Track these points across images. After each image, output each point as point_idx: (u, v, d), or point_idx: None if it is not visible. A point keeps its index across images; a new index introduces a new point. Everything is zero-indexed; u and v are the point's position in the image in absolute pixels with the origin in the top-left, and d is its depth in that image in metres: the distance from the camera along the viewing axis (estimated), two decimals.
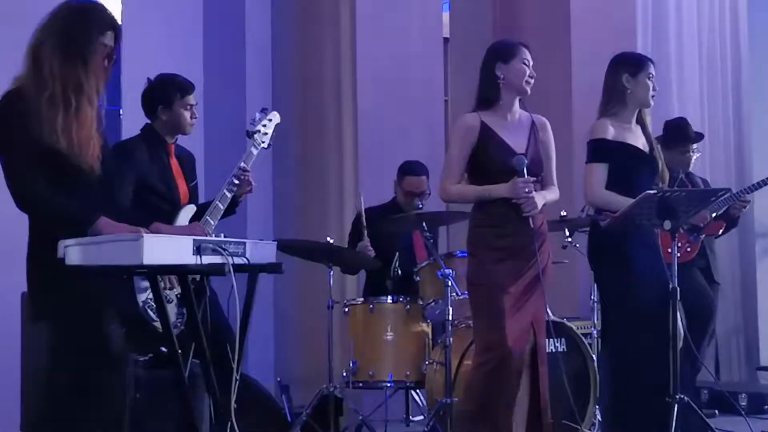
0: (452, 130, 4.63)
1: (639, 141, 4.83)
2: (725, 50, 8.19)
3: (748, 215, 7.57)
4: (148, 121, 4.96)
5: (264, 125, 4.91)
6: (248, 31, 7.30)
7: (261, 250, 4.00)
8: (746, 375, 7.92)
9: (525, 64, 4.53)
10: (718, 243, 7.59)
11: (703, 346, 6.30)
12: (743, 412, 6.40)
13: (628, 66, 4.85)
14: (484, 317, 4.48)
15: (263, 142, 4.88)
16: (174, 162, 4.91)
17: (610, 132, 4.76)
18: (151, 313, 4.38)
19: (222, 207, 4.70)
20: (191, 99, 4.93)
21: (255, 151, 4.84)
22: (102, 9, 3.71)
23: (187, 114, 4.89)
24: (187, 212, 4.79)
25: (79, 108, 3.51)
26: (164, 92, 4.87)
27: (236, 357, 3.79)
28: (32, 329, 4.62)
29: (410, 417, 5.91)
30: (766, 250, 7.79)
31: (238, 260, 3.80)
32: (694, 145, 6.45)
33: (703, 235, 6.27)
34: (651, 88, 4.82)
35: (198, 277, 4.00)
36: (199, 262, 3.60)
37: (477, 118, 4.50)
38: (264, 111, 5.00)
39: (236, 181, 4.71)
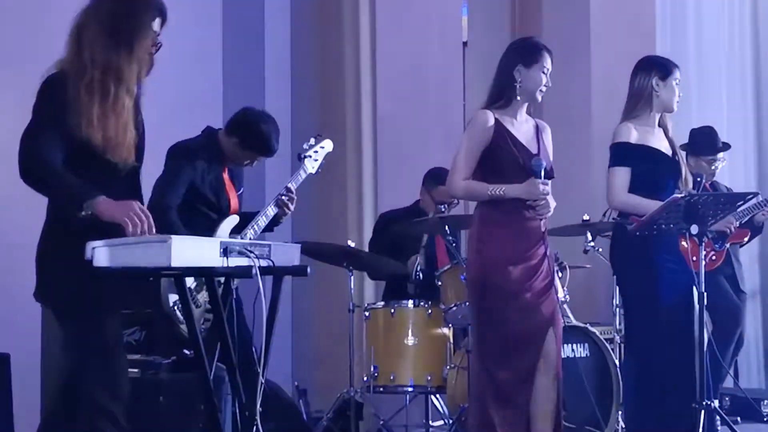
0: (468, 126, 4.50)
1: (662, 144, 4.82)
2: (746, 54, 8.15)
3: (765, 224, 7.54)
4: (213, 127, 4.97)
5: (316, 151, 5.07)
6: (267, 35, 7.30)
7: (286, 253, 3.98)
8: (765, 382, 7.87)
9: (544, 72, 4.47)
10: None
11: (727, 355, 6.26)
12: (765, 419, 6.41)
13: (658, 69, 4.86)
14: (490, 326, 4.39)
15: (312, 168, 5.03)
16: (226, 175, 4.93)
17: (633, 135, 4.76)
18: (179, 314, 4.38)
19: (263, 223, 4.83)
20: (262, 159, 4.99)
21: (303, 175, 4.99)
22: None
23: (248, 163, 4.95)
24: (230, 222, 4.83)
25: (117, 97, 3.36)
26: (252, 138, 4.88)
27: (263, 361, 3.75)
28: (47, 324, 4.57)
29: (430, 422, 5.87)
30: None
31: (263, 263, 3.78)
32: (721, 155, 6.41)
33: (728, 244, 6.24)
34: (677, 93, 4.82)
35: (223, 280, 4.00)
36: (225, 265, 3.57)
37: (492, 116, 4.43)
38: (318, 137, 5.14)
39: (279, 198, 4.83)
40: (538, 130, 4.57)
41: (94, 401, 3.38)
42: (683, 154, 4.94)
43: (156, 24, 3.45)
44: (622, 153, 4.75)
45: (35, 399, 4.88)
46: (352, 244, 5.54)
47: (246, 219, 4.86)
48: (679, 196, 4.49)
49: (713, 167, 6.37)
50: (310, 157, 5.03)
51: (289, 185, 4.91)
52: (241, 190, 5.00)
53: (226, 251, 3.58)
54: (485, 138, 4.41)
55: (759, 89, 8.08)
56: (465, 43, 7.88)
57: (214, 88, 6.94)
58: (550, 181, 4.37)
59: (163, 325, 4.66)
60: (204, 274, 3.63)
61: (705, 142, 6.42)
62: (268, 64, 7.27)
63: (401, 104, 6.93)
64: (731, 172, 7.73)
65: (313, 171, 5.07)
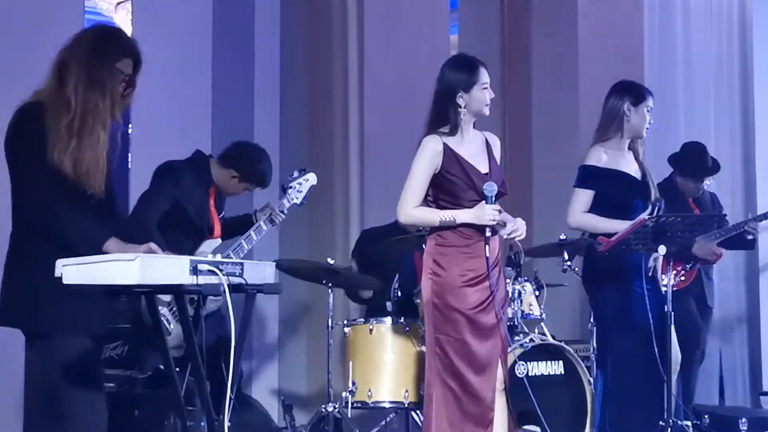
0: (417, 153, 4.50)
1: (631, 167, 4.91)
2: (733, 73, 8.23)
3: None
4: (202, 152, 5.11)
5: (299, 183, 5.32)
6: (257, 50, 7.37)
7: (259, 271, 4.04)
8: (751, 400, 7.93)
9: (485, 88, 4.50)
10: (725, 273, 7.65)
11: (693, 373, 6.33)
12: None
13: (630, 95, 4.94)
14: (450, 348, 4.42)
15: (295, 199, 5.29)
16: (212, 200, 5.06)
17: (603, 159, 4.87)
18: (168, 326, 4.48)
19: (247, 247, 5.10)
20: (258, 190, 5.15)
21: (287, 204, 5.24)
22: (121, 35, 3.82)
23: (242, 192, 5.10)
24: (211, 244, 4.95)
25: (93, 130, 3.60)
26: (251, 173, 5.15)
27: (230, 375, 3.82)
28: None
29: None
30: None
31: (235, 280, 3.86)
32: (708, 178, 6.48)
33: (699, 264, 6.30)
34: (647, 120, 4.91)
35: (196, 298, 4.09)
36: (195, 282, 3.66)
37: (440, 141, 4.46)
38: (302, 171, 5.39)
39: (267, 227, 5.12)
40: (487, 145, 4.61)
41: (77, 417, 3.49)
42: (652, 177, 5.00)
43: (124, 65, 3.68)
44: (586, 175, 4.88)
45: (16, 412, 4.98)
46: (332, 262, 5.61)
47: (234, 225, 5.03)
48: (646, 217, 4.57)
49: (699, 185, 6.43)
50: (294, 188, 5.24)
51: (275, 210, 5.12)
52: (222, 214, 5.13)
53: (195, 269, 3.67)
54: (434, 164, 4.45)
55: (746, 104, 8.17)
56: None
57: (203, 104, 7.01)
58: (498, 206, 4.40)
59: (143, 340, 4.76)
60: (172, 291, 3.71)
61: (695, 164, 6.45)
62: (257, 81, 7.35)
63: (389, 122, 6.98)
64: (719, 185, 7.81)
65: (297, 202, 5.31)
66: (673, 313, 4.72)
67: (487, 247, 4.40)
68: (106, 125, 3.65)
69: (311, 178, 5.36)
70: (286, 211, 5.21)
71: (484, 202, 4.39)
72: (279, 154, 7.22)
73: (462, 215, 4.41)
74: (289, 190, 5.25)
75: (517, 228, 4.41)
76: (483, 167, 4.53)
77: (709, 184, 6.49)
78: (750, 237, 6.36)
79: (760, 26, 8.11)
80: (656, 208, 4.75)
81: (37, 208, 3.58)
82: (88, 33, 3.72)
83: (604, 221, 4.80)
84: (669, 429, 4.57)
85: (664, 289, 4.60)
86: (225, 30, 7.29)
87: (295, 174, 5.34)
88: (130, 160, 6.67)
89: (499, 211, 4.39)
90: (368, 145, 6.97)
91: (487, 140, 4.62)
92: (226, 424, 3.83)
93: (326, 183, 7.08)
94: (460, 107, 4.48)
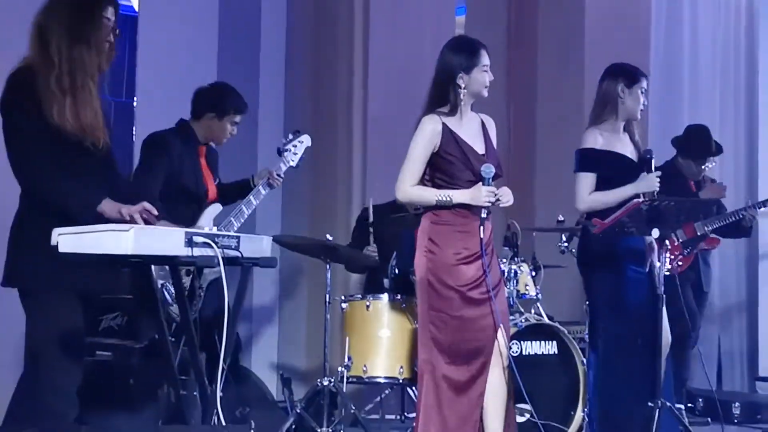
0: (416, 132, 4.55)
1: (627, 149, 4.94)
2: (739, 59, 8.25)
3: (753, 232, 7.64)
4: (184, 118, 5.15)
5: (294, 146, 5.37)
6: (263, 34, 7.41)
7: (255, 245, 4.11)
8: (748, 385, 7.98)
9: (485, 70, 4.54)
10: (725, 259, 7.69)
11: (686, 358, 6.37)
12: (736, 420, 6.54)
13: (624, 77, 4.97)
14: (442, 325, 4.47)
15: (292, 161, 5.34)
16: (203, 162, 5.11)
17: (599, 142, 4.89)
18: (167, 296, 4.54)
19: (247, 212, 5.12)
20: (240, 117, 5.13)
21: (284, 167, 5.30)
22: None
23: (230, 129, 5.13)
24: (212, 212, 5.00)
25: (83, 87, 3.65)
26: (222, 102, 5.11)
27: (223, 347, 3.88)
28: None
29: (405, 413, 6.00)
30: None
31: (231, 253, 3.92)
32: (713, 158, 6.51)
33: (698, 249, 6.33)
34: (641, 102, 4.94)
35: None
36: (190, 254, 3.72)
37: (439, 121, 4.51)
38: (296, 133, 5.45)
39: (265, 190, 5.21)
40: (483, 126, 4.65)
41: (50, 379, 3.55)
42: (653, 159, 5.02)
43: (109, 12, 3.72)
44: (586, 158, 4.90)
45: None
46: (331, 238, 5.66)
47: (232, 190, 5.08)
48: (640, 200, 4.60)
49: (702, 168, 6.46)
50: (289, 151, 5.26)
51: (273, 173, 5.16)
52: (217, 181, 5.17)
53: (191, 241, 3.73)
54: (433, 143, 4.49)
55: (752, 89, 8.18)
56: None
57: (209, 80, 7.03)
58: (494, 187, 4.44)
59: (142, 310, 4.82)
60: (167, 262, 3.77)
61: (698, 145, 6.51)
62: (262, 63, 7.39)
63: (392, 104, 7.02)
64: (722, 171, 7.86)
65: (294, 164, 5.34)
66: (664, 296, 4.74)
67: (481, 227, 4.45)
68: (95, 78, 3.70)
69: (306, 140, 5.41)
70: (283, 174, 5.25)
71: (481, 183, 4.44)
72: (283, 134, 7.27)
73: (458, 195, 4.46)
74: (285, 153, 5.32)
75: (502, 194, 4.45)
76: (480, 148, 4.58)
77: (711, 167, 6.51)
78: (748, 224, 6.39)
79: (766, 11, 8.11)
80: (648, 162, 4.79)
81: (30, 171, 3.63)
82: None
83: (611, 193, 4.82)
84: (657, 410, 4.60)
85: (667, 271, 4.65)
86: (231, 9, 7.33)
87: (290, 137, 5.40)
88: (134, 134, 6.72)
89: (495, 194, 4.44)
90: (372, 124, 7.02)
91: (483, 122, 4.67)
92: (218, 393, 3.90)
93: (330, 161, 7.15)
94: (460, 88, 4.52)
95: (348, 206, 7.00)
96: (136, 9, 7.13)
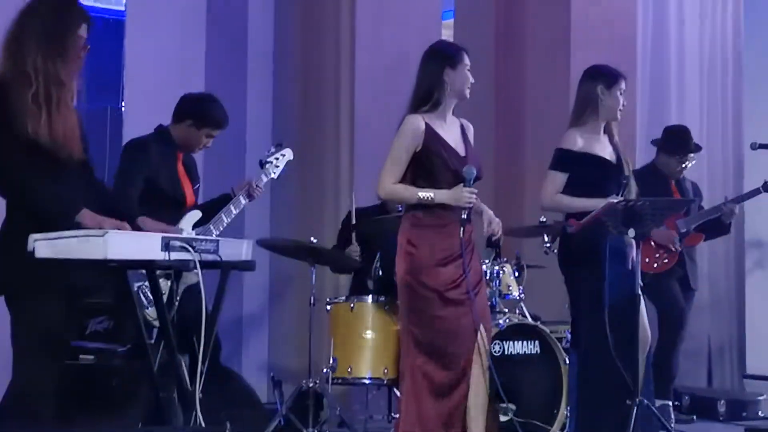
0: (399, 130, 4.60)
1: (606, 151, 4.99)
2: (726, 60, 8.28)
3: (739, 227, 7.69)
4: (163, 124, 5.21)
5: (276, 158, 5.45)
6: (250, 32, 7.45)
7: (234, 248, 4.17)
8: (737, 383, 8.01)
9: (468, 70, 4.62)
10: (713, 254, 7.74)
11: (676, 354, 6.42)
12: (721, 418, 6.59)
13: (603, 78, 5.03)
14: (423, 326, 4.51)
15: (273, 173, 5.43)
16: (181, 167, 5.16)
17: (578, 143, 4.95)
18: (143, 299, 4.59)
19: (226, 221, 5.14)
20: (218, 132, 5.19)
21: (265, 179, 5.37)
22: (74, 2, 3.89)
23: (205, 141, 5.20)
24: (192, 217, 5.05)
25: (59, 102, 3.70)
26: (203, 114, 5.16)
27: (201, 349, 3.93)
28: None
29: (392, 414, 6.03)
30: (755, 262, 7.88)
31: (209, 257, 3.98)
32: (691, 155, 6.56)
33: (681, 247, 6.38)
34: (621, 102, 4.99)
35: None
36: (167, 258, 3.77)
37: (422, 121, 4.55)
38: (279, 146, 5.53)
39: (245, 201, 5.24)
40: (463, 130, 4.70)
41: (31, 381, 3.61)
42: (626, 158, 5.07)
43: (82, 30, 3.78)
44: (561, 158, 4.96)
45: None
46: (315, 241, 5.71)
47: (212, 205, 5.15)
48: (616, 200, 4.65)
49: (682, 166, 6.52)
50: (271, 163, 5.35)
51: (253, 185, 5.21)
52: (197, 185, 5.22)
53: (167, 245, 3.79)
54: (416, 143, 4.53)
55: (737, 92, 8.22)
56: None
57: (196, 85, 7.06)
58: (475, 189, 4.49)
59: (126, 313, 4.86)
60: (144, 266, 3.83)
61: (678, 142, 6.57)
62: (250, 68, 7.43)
63: (379, 107, 7.06)
64: (709, 172, 7.91)
65: (275, 176, 5.44)
66: (645, 294, 4.82)
67: (461, 228, 4.49)
68: (72, 93, 3.77)
69: (288, 154, 5.50)
70: (263, 186, 5.31)
71: (462, 184, 4.48)
72: (271, 134, 7.34)
73: (440, 195, 4.50)
74: (267, 165, 5.40)
75: (492, 229, 4.53)
76: (461, 151, 4.63)
77: (689, 165, 6.55)
78: (727, 221, 6.44)
79: (752, 15, 8.16)
80: (625, 187, 4.85)
81: (9, 181, 3.68)
82: (40, 4, 3.77)
83: (578, 200, 4.89)
84: (635, 408, 4.65)
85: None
86: (218, 9, 7.37)
87: (272, 149, 5.49)
88: (124, 139, 6.77)
89: (476, 195, 4.48)
90: (358, 128, 7.07)
91: (462, 126, 4.72)
92: (197, 395, 3.96)
93: (317, 162, 7.20)
94: (446, 83, 4.58)
95: (336, 209, 7.04)
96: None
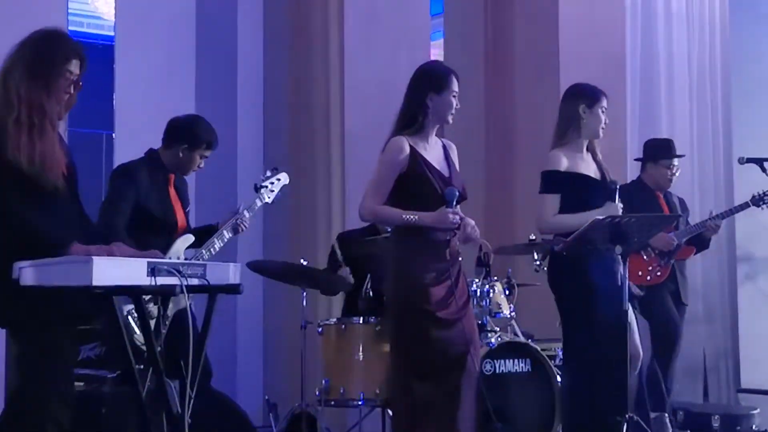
0: (384, 152, 4.63)
1: (590, 168, 5.02)
2: (715, 74, 8.31)
3: (730, 240, 7.71)
4: (153, 148, 5.23)
5: (272, 182, 5.43)
6: (240, 55, 7.49)
7: (222, 272, 4.17)
8: (733, 397, 8.00)
9: (454, 96, 4.62)
10: (705, 268, 7.75)
11: (670, 368, 6.42)
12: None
13: (584, 97, 5.06)
14: (413, 347, 4.51)
15: (267, 198, 5.39)
16: (172, 190, 5.17)
17: (563, 163, 4.97)
18: (132, 324, 4.59)
19: (219, 245, 5.11)
20: (210, 152, 5.20)
21: (260, 203, 5.34)
22: (66, 37, 3.93)
23: (198, 161, 5.20)
24: (184, 242, 5.05)
25: (42, 128, 3.72)
26: (196, 136, 5.17)
27: (189, 374, 3.92)
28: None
29: None
30: (747, 275, 7.88)
31: (196, 281, 3.98)
32: (676, 161, 6.58)
33: (674, 260, 6.40)
34: (603, 120, 5.02)
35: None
36: (153, 283, 3.77)
37: (407, 143, 4.58)
38: (275, 170, 5.50)
39: (238, 225, 5.20)
40: (446, 151, 4.72)
41: (43, 408, 3.64)
42: (610, 174, 5.09)
43: (72, 65, 3.81)
44: (551, 180, 4.98)
45: None
46: (305, 263, 5.72)
47: (198, 235, 5.13)
48: (601, 217, 4.66)
49: (670, 173, 6.53)
50: (266, 188, 5.35)
51: (244, 212, 5.20)
52: (188, 209, 5.23)
53: (153, 270, 3.79)
54: (400, 165, 4.55)
55: (726, 104, 8.23)
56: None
57: (186, 108, 7.10)
58: (458, 210, 4.51)
59: (115, 339, 4.86)
60: (130, 292, 3.83)
61: (661, 149, 6.60)
62: (240, 85, 7.47)
63: (369, 124, 7.07)
64: (700, 183, 7.93)
65: (269, 201, 5.41)
66: (638, 309, 4.82)
67: (447, 250, 4.49)
68: (54, 123, 3.78)
69: (283, 178, 5.48)
70: (255, 212, 5.30)
71: (445, 206, 4.49)
72: (263, 157, 7.37)
73: (424, 218, 4.51)
74: (262, 190, 5.38)
75: (468, 234, 4.51)
76: (445, 171, 4.65)
77: (677, 174, 6.56)
78: (708, 236, 6.46)
79: (739, 28, 8.19)
80: (614, 191, 4.87)
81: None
82: (32, 36, 3.83)
83: (573, 217, 4.90)
84: (625, 424, 4.65)
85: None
86: (208, 33, 7.42)
87: (268, 173, 5.47)
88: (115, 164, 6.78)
89: (461, 217, 4.49)
90: (349, 147, 7.10)
91: (445, 146, 4.75)
92: (186, 420, 3.95)
93: (308, 185, 7.23)
94: (429, 108, 4.59)
95: (328, 230, 7.06)
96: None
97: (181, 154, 5.13)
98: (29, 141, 3.66)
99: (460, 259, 4.65)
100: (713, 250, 7.40)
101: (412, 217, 4.51)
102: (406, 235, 4.58)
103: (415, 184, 4.55)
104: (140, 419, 4.05)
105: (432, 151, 4.65)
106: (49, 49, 3.79)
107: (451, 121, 4.66)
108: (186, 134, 5.15)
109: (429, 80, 4.64)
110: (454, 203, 4.48)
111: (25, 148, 3.65)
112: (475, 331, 4.66)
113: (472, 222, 4.54)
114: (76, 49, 3.86)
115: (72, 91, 3.83)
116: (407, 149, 4.56)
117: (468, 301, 4.61)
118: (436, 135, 4.73)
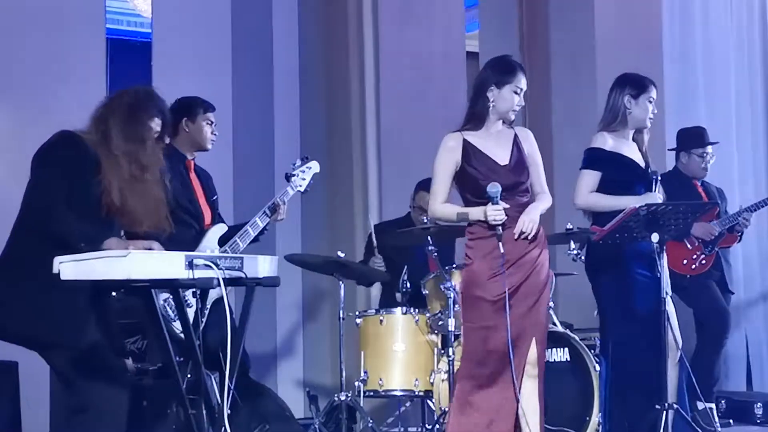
0: (438, 150, 4.64)
1: (635, 155, 4.98)
2: (754, 58, 8.23)
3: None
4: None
5: (302, 171, 5.40)
6: (276, 51, 7.53)
7: (259, 265, 4.20)
8: None
9: (516, 93, 4.58)
10: (746, 256, 7.69)
11: (719, 357, 6.39)
12: (759, 421, 6.53)
13: (631, 88, 5.01)
14: (475, 336, 4.54)
15: (299, 186, 5.37)
16: (194, 176, 5.20)
17: (608, 144, 4.95)
18: (170, 312, 4.64)
19: (252, 233, 5.11)
20: (212, 116, 5.25)
21: (291, 192, 5.32)
22: (153, 96, 4.15)
23: (208, 129, 5.22)
24: (217, 231, 5.08)
25: (143, 180, 4.01)
26: (188, 107, 5.21)
27: (228, 365, 3.96)
28: None
29: (426, 425, 6.04)
30: None
31: (233, 274, 4.02)
32: (710, 149, 6.54)
33: (718, 248, 6.36)
34: (650, 110, 4.98)
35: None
36: (190, 276, 3.82)
37: (459, 138, 4.58)
38: (305, 159, 5.48)
39: (269, 213, 5.15)
40: (516, 139, 4.67)
41: (93, 407, 3.82)
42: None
43: (155, 123, 4.10)
44: (593, 157, 4.97)
45: (43, 406, 5.17)
46: (342, 255, 5.74)
47: (233, 232, 5.14)
48: (638, 205, 4.63)
49: (704, 161, 6.49)
50: (297, 176, 5.34)
51: (277, 200, 5.20)
52: (215, 197, 5.25)
53: (191, 264, 3.83)
54: (454, 160, 4.58)
55: (767, 88, 8.16)
56: (476, 55, 8.08)
57: (224, 102, 7.14)
58: (506, 206, 4.46)
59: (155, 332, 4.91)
60: (167, 285, 3.88)
61: (693, 137, 6.58)
62: (276, 78, 7.51)
63: (405, 117, 7.12)
64: (740, 169, 7.87)
65: (302, 189, 5.39)
66: (683, 298, 4.80)
67: (500, 243, 4.49)
68: (155, 173, 4.08)
69: (314, 166, 5.46)
70: (287, 200, 5.27)
71: (490, 203, 4.48)
72: (299, 149, 7.40)
73: (474, 212, 4.53)
74: (293, 178, 5.37)
75: (523, 231, 4.50)
76: (503, 159, 4.60)
77: (711, 160, 6.51)
78: (741, 229, 6.40)
79: None
80: (655, 181, 4.83)
81: (45, 212, 3.84)
82: (127, 92, 4.11)
83: (612, 199, 4.88)
84: (664, 412, 4.63)
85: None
86: (244, 27, 7.46)
87: (298, 162, 5.46)
88: None
89: (505, 210, 4.46)
90: (385, 139, 7.11)
91: (516, 134, 4.69)
92: (226, 411, 4.00)
93: (345, 177, 7.25)
94: (489, 101, 4.58)
95: (365, 222, 7.07)
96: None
97: (187, 129, 5.16)
98: (125, 188, 3.95)
99: (533, 252, 4.58)
100: (753, 236, 7.35)
101: (463, 212, 4.57)
102: (472, 228, 4.60)
103: (471, 178, 4.57)
104: (180, 411, 4.11)
105: (492, 140, 4.61)
106: (138, 106, 4.07)
107: (512, 118, 4.64)
108: (179, 111, 5.15)
109: (493, 73, 4.62)
110: (497, 198, 4.45)
111: (119, 193, 3.91)
112: (544, 323, 4.63)
113: (528, 218, 4.52)
114: (160, 107, 4.13)
115: (157, 147, 4.12)
116: (458, 145, 4.58)
117: (541, 292, 4.56)
118: (506, 124, 4.68)
